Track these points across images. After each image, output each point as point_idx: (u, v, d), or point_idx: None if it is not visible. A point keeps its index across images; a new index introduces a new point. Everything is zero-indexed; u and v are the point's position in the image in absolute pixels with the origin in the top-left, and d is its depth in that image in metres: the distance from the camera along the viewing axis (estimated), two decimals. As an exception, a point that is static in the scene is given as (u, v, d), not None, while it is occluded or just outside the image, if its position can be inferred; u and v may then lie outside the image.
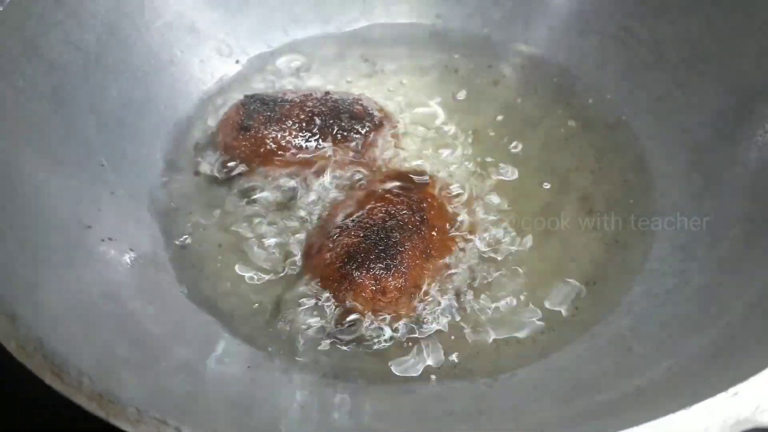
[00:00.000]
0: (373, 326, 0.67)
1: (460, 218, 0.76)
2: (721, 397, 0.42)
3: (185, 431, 0.41)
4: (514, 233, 0.77)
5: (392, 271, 0.67)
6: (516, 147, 0.86)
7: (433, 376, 0.66)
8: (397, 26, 1.03)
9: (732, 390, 0.42)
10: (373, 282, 0.66)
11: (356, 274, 0.67)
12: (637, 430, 0.40)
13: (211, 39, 0.96)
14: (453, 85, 0.94)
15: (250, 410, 0.53)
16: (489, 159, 0.84)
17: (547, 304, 0.71)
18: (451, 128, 0.88)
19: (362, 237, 0.69)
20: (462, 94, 0.92)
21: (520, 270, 0.74)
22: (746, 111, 0.76)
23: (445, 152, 0.85)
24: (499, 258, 0.75)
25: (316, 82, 0.94)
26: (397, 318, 0.68)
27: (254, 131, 0.81)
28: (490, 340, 0.68)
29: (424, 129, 0.88)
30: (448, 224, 0.75)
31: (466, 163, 0.84)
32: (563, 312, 0.71)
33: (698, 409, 0.41)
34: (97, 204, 0.72)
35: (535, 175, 0.83)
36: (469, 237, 0.75)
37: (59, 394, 0.44)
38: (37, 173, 0.67)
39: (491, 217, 0.78)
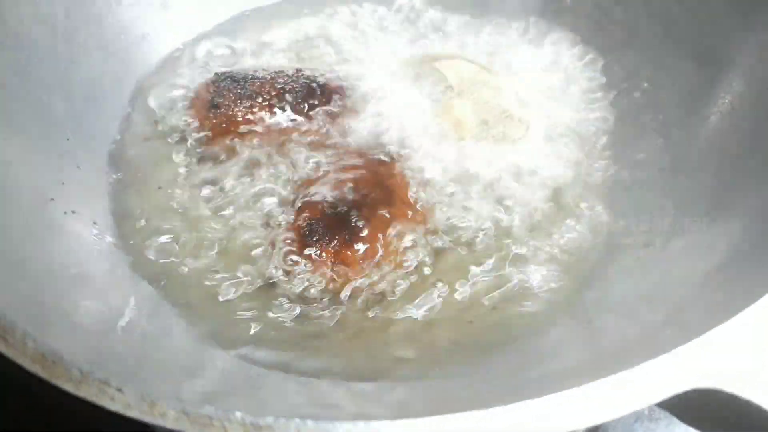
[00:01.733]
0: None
1: (424, 195, 0.76)
2: (663, 358, 0.42)
3: (126, 392, 0.41)
4: (482, 213, 0.76)
5: (352, 244, 0.68)
6: (485, 125, 0.85)
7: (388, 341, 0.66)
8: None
9: (674, 352, 0.42)
10: (331, 256, 0.67)
11: (315, 247, 0.67)
12: (577, 391, 0.40)
13: (182, 15, 0.95)
14: (423, 65, 0.93)
15: (196, 376, 0.53)
16: (456, 138, 0.83)
17: (512, 280, 0.71)
18: (421, 104, 0.87)
19: (326, 206, 0.70)
20: (432, 73, 0.91)
21: (487, 247, 0.73)
22: (712, 84, 0.76)
23: (414, 128, 0.83)
24: (465, 236, 0.74)
25: (288, 57, 0.93)
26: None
27: (225, 109, 0.80)
28: (449, 311, 0.68)
29: (396, 104, 0.86)
30: (411, 200, 0.75)
31: (435, 140, 0.83)
32: (527, 287, 0.70)
33: (639, 371, 0.41)
34: (61, 177, 0.72)
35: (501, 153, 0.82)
36: (433, 213, 0.75)
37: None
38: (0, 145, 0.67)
39: (460, 196, 0.77)
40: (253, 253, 0.71)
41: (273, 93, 0.82)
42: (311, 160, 0.79)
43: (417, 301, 0.68)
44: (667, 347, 0.43)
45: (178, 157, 0.80)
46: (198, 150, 0.81)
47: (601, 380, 0.41)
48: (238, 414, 0.40)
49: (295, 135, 0.81)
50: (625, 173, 0.80)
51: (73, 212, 0.69)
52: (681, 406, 0.43)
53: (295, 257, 0.68)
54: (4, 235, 0.58)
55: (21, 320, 0.46)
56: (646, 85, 0.86)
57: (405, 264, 0.71)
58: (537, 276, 0.70)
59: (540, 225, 0.75)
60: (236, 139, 0.80)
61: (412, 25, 0.99)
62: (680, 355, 0.42)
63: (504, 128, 0.84)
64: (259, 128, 0.80)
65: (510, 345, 0.64)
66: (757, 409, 0.41)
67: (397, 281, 0.70)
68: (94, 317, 0.56)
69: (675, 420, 0.48)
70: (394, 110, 0.85)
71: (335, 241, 0.68)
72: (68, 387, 0.42)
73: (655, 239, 0.70)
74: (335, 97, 0.84)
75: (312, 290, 0.68)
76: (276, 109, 0.81)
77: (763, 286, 0.46)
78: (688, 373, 0.42)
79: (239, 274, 0.70)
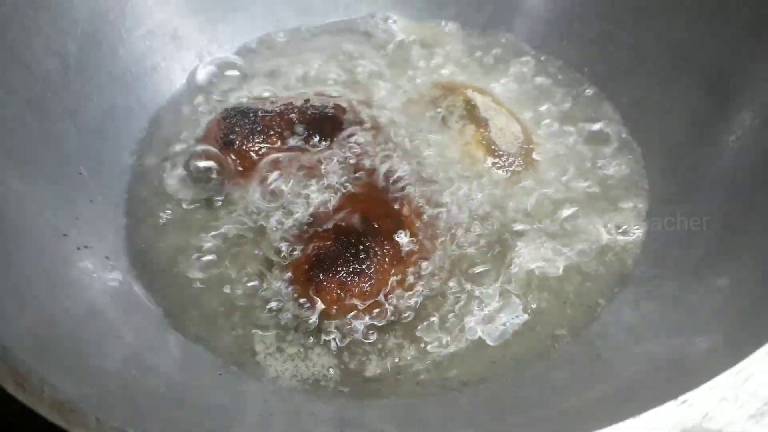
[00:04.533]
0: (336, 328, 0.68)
1: (435, 227, 0.77)
2: (670, 405, 0.42)
3: (144, 440, 0.42)
4: (491, 244, 0.77)
5: (360, 275, 0.68)
6: (496, 148, 0.85)
7: (400, 376, 0.66)
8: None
9: (681, 398, 0.43)
10: (338, 286, 0.67)
11: (322, 277, 0.68)
12: (585, 438, 0.41)
13: (193, 46, 0.96)
14: (435, 91, 0.94)
15: (218, 418, 0.53)
16: (473, 162, 0.84)
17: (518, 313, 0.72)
18: (431, 125, 0.88)
19: (333, 239, 0.71)
20: (441, 95, 0.92)
21: (494, 282, 0.74)
22: (722, 113, 0.77)
23: (429, 154, 0.84)
24: (473, 268, 0.75)
25: (298, 87, 0.94)
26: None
27: (238, 145, 0.81)
28: (461, 346, 0.69)
29: (405, 128, 0.87)
30: (421, 231, 0.75)
31: (452, 167, 0.83)
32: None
33: (647, 418, 0.42)
34: (74, 212, 0.73)
35: (514, 182, 0.83)
36: (442, 244, 0.76)
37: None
38: (13, 180, 0.68)
39: (470, 224, 0.78)
40: (264, 285, 0.72)
41: (284, 126, 0.82)
42: (323, 191, 0.79)
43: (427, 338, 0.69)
44: (674, 391, 0.44)
45: (191, 192, 0.81)
46: (211, 184, 0.81)
47: (613, 426, 0.41)
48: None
49: (306, 165, 0.81)
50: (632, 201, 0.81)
51: (86, 247, 0.70)
52: (689, 451, 0.43)
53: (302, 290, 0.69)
54: (18, 275, 0.59)
55: (36, 364, 0.47)
56: (653, 110, 0.87)
57: (411, 297, 0.71)
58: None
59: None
60: (248, 173, 0.80)
61: (417, 54, 0.99)
62: (687, 401, 0.42)
63: (517, 153, 0.84)
64: (271, 161, 0.81)
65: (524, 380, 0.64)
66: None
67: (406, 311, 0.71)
68: (108, 356, 0.56)
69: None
70: (407, 136, 0.86)
71: (343, 271, 0.68)
72: (85, 435, 0.42)
73: (663, 273, 0.70)
74: (346, 125, 0.84)
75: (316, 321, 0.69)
76: (288, 142, 0.82)
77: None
78: (696, 420, 0.42)
79: (252, 306, 0.71)
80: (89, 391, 0.47)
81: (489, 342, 0.69)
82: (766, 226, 0.64)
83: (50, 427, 0.43)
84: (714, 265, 0.66)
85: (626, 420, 0.41)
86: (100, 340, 0.59)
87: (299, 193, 0.79)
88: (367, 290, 0.69)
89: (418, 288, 0.72)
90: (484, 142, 0.84)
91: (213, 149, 0.81)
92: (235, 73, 0.96)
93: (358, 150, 0.83)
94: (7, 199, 0.65)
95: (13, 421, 0.55)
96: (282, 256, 0.74)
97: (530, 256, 0.76)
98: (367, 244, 0.70)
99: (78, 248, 0.69)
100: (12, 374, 0.45)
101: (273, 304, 0.70)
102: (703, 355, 0.52)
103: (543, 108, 0.92)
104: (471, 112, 0.87)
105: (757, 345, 0.45)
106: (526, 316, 0.71)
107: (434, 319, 0.70)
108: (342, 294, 0.68)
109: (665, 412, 0.42)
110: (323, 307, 0.68)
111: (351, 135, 0.84)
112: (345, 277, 0.68)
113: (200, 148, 0.82)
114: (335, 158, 0.81)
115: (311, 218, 0.77)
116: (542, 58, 0.98)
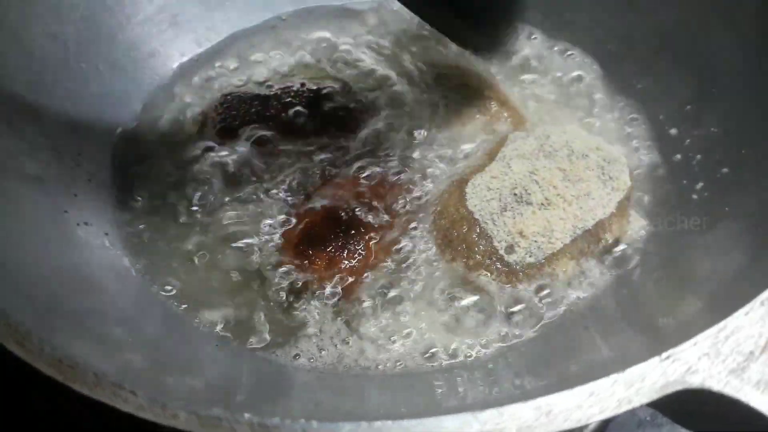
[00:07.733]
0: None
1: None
2: (654, 361, 0.43)
3: (139, 395, 0.43)
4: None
5: (348, 251, 0.71)
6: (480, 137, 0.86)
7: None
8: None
9: (664, 354, 0.44)
10: (326, 261, 0.69)
11: (311, 251, 0.70)
12: (570, 393, 0.42)
13: (191, 32, 0.97)
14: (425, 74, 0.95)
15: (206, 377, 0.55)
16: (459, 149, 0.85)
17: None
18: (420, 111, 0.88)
19: (326, 215, 0.73)
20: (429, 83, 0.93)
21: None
22: (707, 95, 0.79)
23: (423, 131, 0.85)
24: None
25: (295, 71, 0.94)
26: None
27: (236, 130, 0.82)
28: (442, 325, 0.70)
29: (401, 111, 0.88)
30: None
31: (435, 152, 0.85)
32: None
33: (631, 372, 0.43)
34: (73, 190, 0.74)
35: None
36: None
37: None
38: (14, 159, 0.69)
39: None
40: (255, 259, 0.74)
41: (281, 109, 0.84)
42: (318, 170, 0.81)
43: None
44: (659, 349, 0.45)
45: (186, 173, 0.82)
46: (205, 166, 0.82)
47: (598, 381, 0.42)
48: (246, 415, 0.42)
49: (303, 147, 0.82)
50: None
51: (85, 224, 0.71)
52: (672, 405, 0.44)
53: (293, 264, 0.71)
54: (22, 247, 0.60)
55: (37, 327, 0.48)
56: (641, 95, 0.88)
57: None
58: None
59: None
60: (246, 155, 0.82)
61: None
62: (671, 357, 0.44)
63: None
64: (269, 144, 0.82)
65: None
66: (744, 407, 0.43)
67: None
68: (106, 324, 0.57)
69: (678, 427, 0.50)
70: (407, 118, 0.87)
71: (332, 246, 0.71)
72: (84, 390, 0.44)
73: (648, 246, 0.71)
74: (343, 106, 0.86)
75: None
76: (286, 125, 0.83)
77: (750, 293, 0.47)
78: (678, 374, 0.43)
79: (244, 280, 0.72)
80: (87, 351, 0.48)
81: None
82: (747, 202, 0.66)
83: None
84: (698, 238, 0.67)
85: (612, 375, 0.43)
86: (98, 309, 0.60)
87: (295, 172, 0.80)
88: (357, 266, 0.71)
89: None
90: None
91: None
92: (233, 58, 0.97)
93: (354, 129, 0.84)
94: (9, 176, 0.67)
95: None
96: (276, 233, 0.75)
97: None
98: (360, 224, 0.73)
99: (78, 224, 0.70)
100: (13, 334, 0.46)
101: (272, 279, 0.71)
102: (690, 314, 0.53)
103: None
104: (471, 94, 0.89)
105: (736, 308, 0.47)
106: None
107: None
108: (327, 268, 0.70)
109: (649, 367, 0.43)
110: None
111: (349, 114, 0.85)
112: (333, 252, 0.70)
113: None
114: (333, 138, 0.83)
115: (306, 196, 0.78)
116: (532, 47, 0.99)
